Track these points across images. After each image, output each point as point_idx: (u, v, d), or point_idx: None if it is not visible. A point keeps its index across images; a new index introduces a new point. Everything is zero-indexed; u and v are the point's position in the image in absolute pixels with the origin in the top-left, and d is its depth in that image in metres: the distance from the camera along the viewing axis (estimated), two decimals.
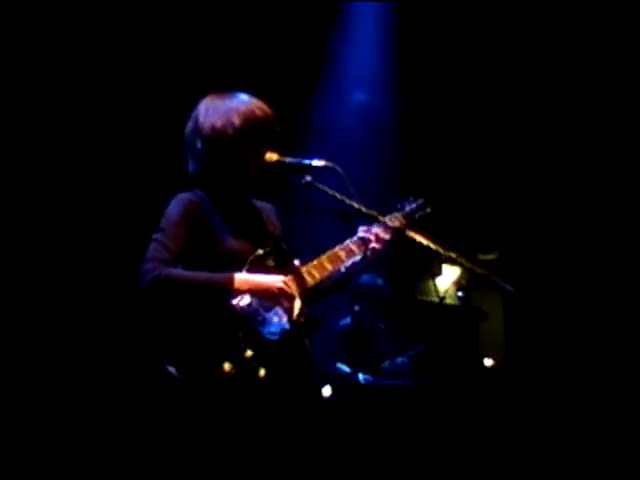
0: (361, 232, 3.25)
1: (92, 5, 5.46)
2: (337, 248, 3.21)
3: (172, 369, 2.83)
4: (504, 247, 7.68)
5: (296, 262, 3.11)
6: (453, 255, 2.94)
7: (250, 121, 3.09)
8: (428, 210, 3.55)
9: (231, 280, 2.89)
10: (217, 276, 2.90)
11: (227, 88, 3.26)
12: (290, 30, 6.28)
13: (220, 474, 2.89)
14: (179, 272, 2.91)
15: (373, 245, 3.22)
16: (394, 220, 3.37)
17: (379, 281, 6.22)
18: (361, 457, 5.39)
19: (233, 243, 3.04)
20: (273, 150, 3.13)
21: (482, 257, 7.64)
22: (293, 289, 3.00)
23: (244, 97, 3.18)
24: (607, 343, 6.43)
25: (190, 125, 3.16)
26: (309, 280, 3.09)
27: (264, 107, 3.16)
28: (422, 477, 5.43)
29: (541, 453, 6.04)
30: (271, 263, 3.06)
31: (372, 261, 3.25)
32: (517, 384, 6.49)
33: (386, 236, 3.25)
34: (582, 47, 6.42)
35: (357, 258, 3.24)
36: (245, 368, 2.87)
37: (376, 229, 3.25)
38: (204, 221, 3.03)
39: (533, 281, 6.81)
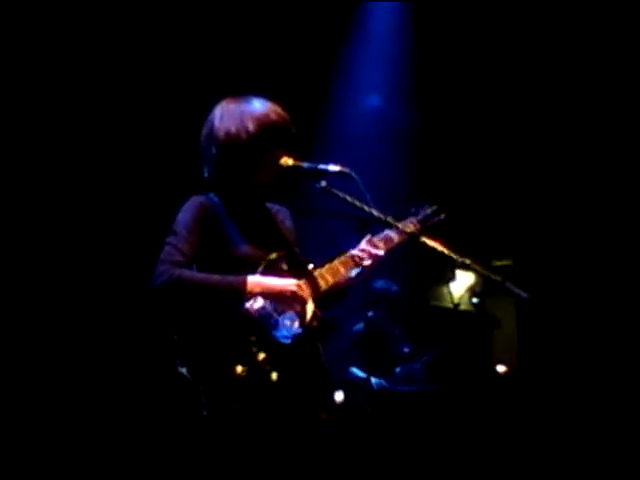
0: (356, 251, 3.24)
1: (107, 8, 5.49)
2: (349, 253, 3.21)
3: (184, 370, 2.84)
4: (518, 253, 7.66)
5: (310, 266, 3.11)
6: (467, 261, 2.94)
7: (265, 126, 3.07)
8: (442, 216, 3.55)
9: (244, 282, 2.89)
10: (230, 278, 2.90)
11: (242, 92, 3.25)
12: (304, 34, 6.29)
13: (229, 476, 2.89)
14: (192, 274, 2.91)
15: (365, 263, 3.21)
16: (409, 226, 3.38)
17: (394, 287, 6.22)
18: (373, 462, 5.39)
19: (246, 247, 3.03)
20: (289, 155, 3.12)
21: (496, 263, 7.63)
22: (306, 293, 2.99)
23: (259, 101, 3.15)
24: (621, 351, 6.41)
25: (205, 130, 3.15)
26: (322, 284, 3.08)
27: (279, 111, 3.14)
28: None
29: (553, 459, 6.02)
30: (284, 267, 3.05)
31: (372, 271, 3.26)
32: (530, 391, 6.47)
33: (380, 252, 3.25)
34: (603, 60, 6.40)
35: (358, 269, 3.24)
36: (257, 371, 2.86)
37: (371, 246, 3.24)
38: (217, 225, 3.03)
39: (547, 288, 6.79)
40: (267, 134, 3.07)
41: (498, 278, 2.91)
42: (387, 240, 3.30)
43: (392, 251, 3.31)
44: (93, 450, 5.18)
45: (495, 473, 5.58)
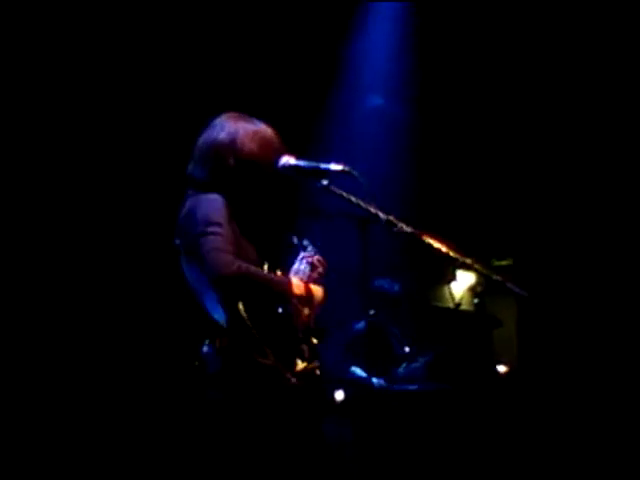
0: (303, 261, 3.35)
1: (106, 10, 5.50)
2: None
3: (263, 359, 2.93)
4: (519, 253, 7.66)
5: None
6: (468, 261, 2.94)
7: (275, 158, 3.21)
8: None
9: (290, 284, 3.10)
10: (279, 278, 3.14)
11: (245, 93, 3.30)
12: (306, 34, 6.30)
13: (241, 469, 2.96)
14: (257, 270, 3.03)
15: (320, 271, 3.33)
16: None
17: (396, 287, 6.23)
18: (374, 461, 5.39)
19: (251, 251, 3.16)
20: (291, 154, 3.16)
21: (497, 263, 7.62)
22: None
23: (260, 124, 3.30)
24: (621, 350, 6.41)
25: (223, 138, 3.21)
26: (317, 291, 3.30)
27: (281, 143, 3.29)
28: None
29: (553, 459, 6.02)
30: (265, 268, 3.17)
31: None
32: (530, 391, 6.47)
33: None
34: (603, 59, 6.40)
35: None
36: (309, 366, 3.05)
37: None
38: (233, 226, 3.09)
39: (547, 287, 6.79)
40: (274, 162, 3.20)
41: (499, 278, 2.91)
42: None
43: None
44: (99, 443, 5.22)
45: (496, 472, 5.58)
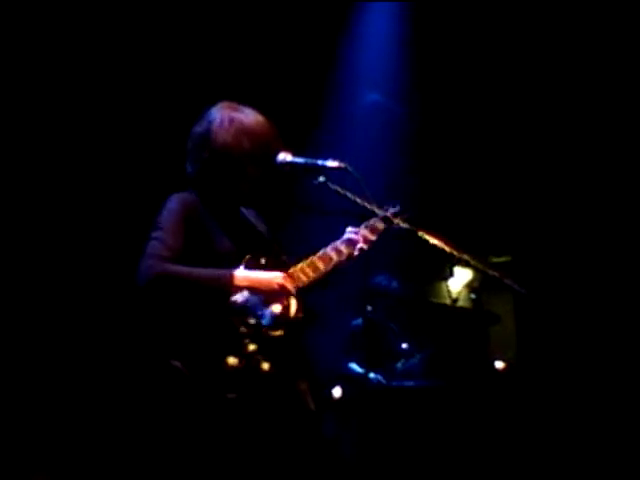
0: (348, 234, 3.29)
1: (104, 7, 5.49)
2: (328, 248, 3.25)
3: (178, 364, 2.87)
4: (516, 250, 7.66)
5: (284, 258, 3.19)
6: (466, 257, 2.95)
7: (257, 144, 3.14)
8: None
9: (231, 277, 2.95)
10: (217, 272, 2.97)
11: (241, 87, 3.27)
12: (304, 31, 6.29)
13: (221, 468, 2.92)
14: (178, 268, 2.93)
15: (361, 246, 3.25)
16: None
17: (394, 283, 6.23)
18: (371, 457, 5.40)
19: (227, 244, 3.09)
20: (287, 151, 3.15)
21: (494, 260, 7.63)
22: (292, 286, 3.05)
23: (256, 117, 3.21)
24: (619, 345, 6.41)
25: (200, 129, 3.19)
26: (303, 278, 3.14)
27: (269, 126, 3.21)
28: (433, 479, 5.43)
29: (551, 455, 6.03)
30: (262, 262, 3.10)
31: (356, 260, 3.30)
32: (528, 387, 6.47)
33: (373, 237, 3.31)
34: (601, 56, 6.40)
35: (344, 258, 3.27)
36: (249, 361, 2.91)
37: (363, 231, 3.31)
38: (199, 222, 3.08)
39: (545, 284, 6.79)
40: (257, 152, 3.14)
41: (496, 274, 2.92)
42: (374, 229, 3.36)
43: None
44: (83, 445, 5.18)
45: (493, 468, 5.58)
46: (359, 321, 6.05)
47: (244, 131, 3.13)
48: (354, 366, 5.86)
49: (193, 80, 5.75)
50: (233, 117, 3.17)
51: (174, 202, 3.09)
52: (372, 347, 5.97)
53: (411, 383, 5.82)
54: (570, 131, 6.79)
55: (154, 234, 2.99)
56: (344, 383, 5.77)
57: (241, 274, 2.97)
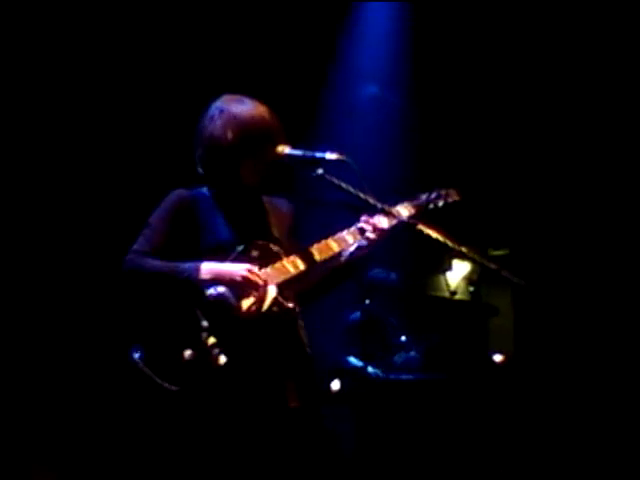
0: (361, 222, 3.20)
1: (103, 5, 5.49)
2: (330, 238, 3.17)
3: (137, 356, 2.89)
4: (515, 243, 7.66)
5: (275, 249, 3.11)
6: (464, 250, 2.94)
7: (245, 133, 3.08)
8: (448, 200, 3.53)
9: (197, 269, 2.94)
10: (183, 265, 2.96)
11: (241, 83, 3.25)
12: (303, 27, 6.28)
13: (178, 461, 2.94)
14: (149, 262, 2.97)
15: (368, 235, 3.17)
16: (404, 209, 3.33)
17: (392, 275, 6.23)
18: (370, 451, 5.40)
19: (226, 235, 3.07)
20: (285, 143, 3.12)
21: (493, 252, 7.63)
22: (261, 278, 2.96)
23: (248, 106, 3.15)
24: (617, 339, 6.42)
25: (198, 125, 3.19)
26: (291, 270, 3.05)
27: (267, 118, 3.14)
28: (431, 472, 5.43)
29: (549, 449, 6.03)
30: (254, 254, 3.06)
31: (372, 250, 3.21)
32: (526, 379, 6.48)
33: (384, 226, 3.19)
34: (600, 55, 6.40)
35: (352, 248, 3.20)
36: (204, 355, 2.89)
37: (375, 219, 3.20)
38: (194, 217, 3.07)
39: (543, 277, 6.80)
40: (247, 141, 3.09)
41: (495, 267, 2.91)
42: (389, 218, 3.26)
43: (391, 233, 3.26)
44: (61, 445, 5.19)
45: (491, 462, 5.59)
46: (357, 314, 6.05)
47: (234, 123, 3.09)
48: (352, 360, 5.86)
49: (194, 76, 5.75)
50: (224, 109, 3.14)
51: (167, 199, 3.13)
52: (370, 340, 5.97)
53: (409, 376, 5.82)
54: (568, 125, 6.79)
55: (143, 231, 3.08)
56: (342, 377, 5.77)
57: (206, 267, 2.94)
